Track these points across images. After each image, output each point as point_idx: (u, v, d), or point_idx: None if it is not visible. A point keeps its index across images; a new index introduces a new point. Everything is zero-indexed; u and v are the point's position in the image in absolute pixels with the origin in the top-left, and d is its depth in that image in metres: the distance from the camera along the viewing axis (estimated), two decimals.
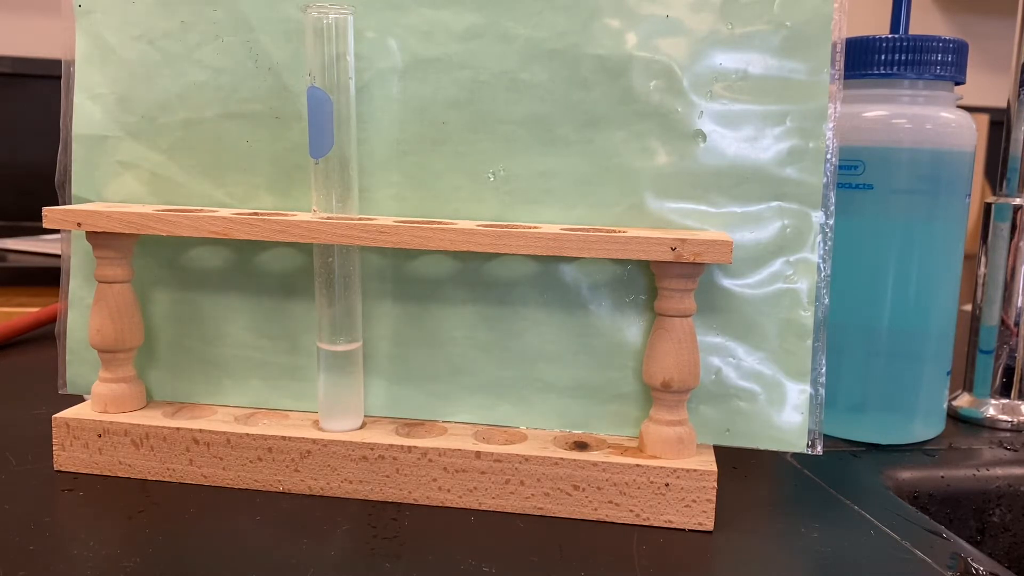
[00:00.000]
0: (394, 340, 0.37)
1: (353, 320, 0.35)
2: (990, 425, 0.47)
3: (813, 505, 0.35)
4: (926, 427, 0.43)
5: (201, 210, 0.36)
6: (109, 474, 0.36)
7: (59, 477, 0.35)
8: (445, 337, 0.36)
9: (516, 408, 0.36)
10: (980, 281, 0.47)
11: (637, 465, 0.33)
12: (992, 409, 0.47)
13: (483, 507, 0.34)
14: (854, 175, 0.41)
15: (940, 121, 0.40)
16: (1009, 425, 0.46)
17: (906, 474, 0.39)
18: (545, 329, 0.36)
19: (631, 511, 0.33)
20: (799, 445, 0.34)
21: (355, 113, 0.35)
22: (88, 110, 0.37)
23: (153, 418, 0.36)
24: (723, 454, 0.36)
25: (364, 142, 0.36)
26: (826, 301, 0.34)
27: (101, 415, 0.36)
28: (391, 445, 0.34)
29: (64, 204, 0.37)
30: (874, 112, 0.41)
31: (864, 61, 0.41)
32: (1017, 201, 0.46)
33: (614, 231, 0.33)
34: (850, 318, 0.41)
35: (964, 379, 0.49)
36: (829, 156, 0.34)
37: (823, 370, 0.34)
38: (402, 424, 0.36)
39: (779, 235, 0.34)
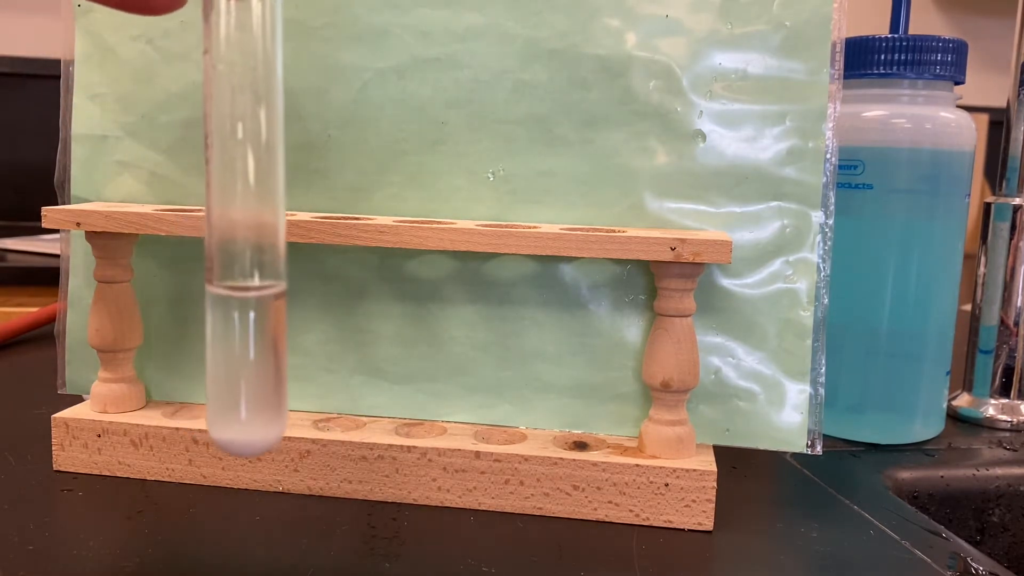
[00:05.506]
0: (394, 340, 0.37)
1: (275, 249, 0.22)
2: (989, 425, 0.47)
3: (813, 505, 0.35)
4: (925, 427, 0.43)
5: (201, 210, 0.36)
6: (108, 474, 0.36)
7: (59, 477, 0.35)
8: (445, 337, 0.36)
9: (516, 408, 0.36)
10: (980, 281, 0.47)
11: (637, 465, 0.33)
12: (991, 409, 0.47)
13: (483, 507, 0.34)
14: (853, 175, 0.41)
15: (939, 121, 0.40)
16: (1008, 425, 0.46)
17: (906, 474, 0.39)
18: (545, 329, 0.36)
19: (631, 511, 0.33)
20: (799, 445, 0.34)
21: None
22: (87, 110, 0.37)
23: (152, 418, 0.36)
24: (723, 454, 0.36)
25: (364, 142, 0.36)
26: (825, 301, 0.34)
27: (100, 415, 0.36)
28: (391, 445, 0.34)
29: (64, 204, 0.37)
30: (873, 112, 0.41)
31: (863, 61, 0.41)
32: (1017, 201, 0.46)
33: (614, 231, 0.33)
34: (850, 318, 0.41)
35: (963, 379, 0.49)
36: (829, 156, 0.34)
37: (823, 370, 0.34)
38: (402, 424, 0.36)
39: (778, 235, 0.34)
